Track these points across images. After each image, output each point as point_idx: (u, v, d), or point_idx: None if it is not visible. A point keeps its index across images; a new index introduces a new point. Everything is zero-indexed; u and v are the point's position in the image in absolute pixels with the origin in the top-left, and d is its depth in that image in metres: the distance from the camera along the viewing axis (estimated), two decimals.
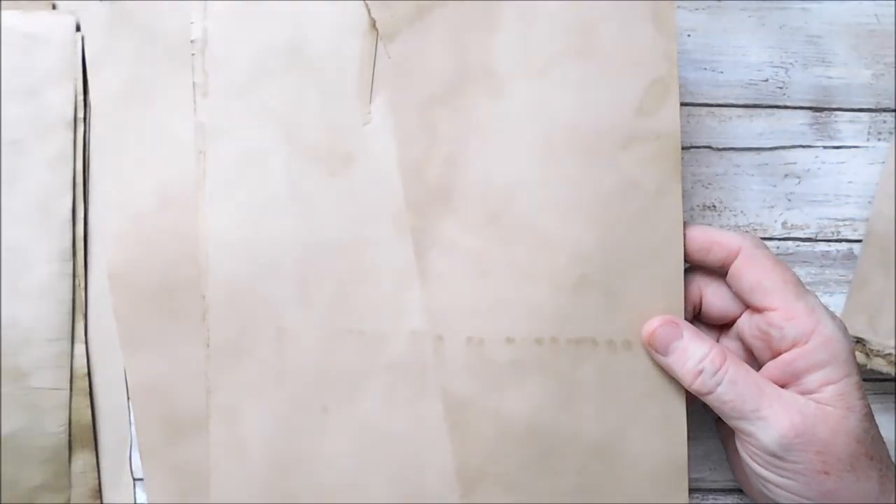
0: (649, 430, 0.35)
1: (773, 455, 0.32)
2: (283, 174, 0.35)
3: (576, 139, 0.34)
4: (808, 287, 0.36)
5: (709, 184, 0.40)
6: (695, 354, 0.33)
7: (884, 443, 0.33)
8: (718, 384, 0.33)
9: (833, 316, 0.33)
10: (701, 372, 0.33)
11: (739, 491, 0.39)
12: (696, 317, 0.36)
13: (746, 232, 0.39)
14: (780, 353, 0.33)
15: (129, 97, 0.36)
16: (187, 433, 0.36)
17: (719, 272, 0.35)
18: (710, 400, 0.33)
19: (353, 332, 0.35)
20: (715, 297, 0.35)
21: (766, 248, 0.34)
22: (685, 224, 0.35)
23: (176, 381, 0.35)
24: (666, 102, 0.34)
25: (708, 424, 0.39)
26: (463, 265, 0.35)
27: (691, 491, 0.40)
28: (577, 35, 0.34)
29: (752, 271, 0.33)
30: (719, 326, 0.36)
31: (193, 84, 0.35)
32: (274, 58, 0.35)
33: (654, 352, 0.34)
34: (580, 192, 0.34)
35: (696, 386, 0.33)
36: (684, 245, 0.35)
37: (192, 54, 0.35)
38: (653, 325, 0.34)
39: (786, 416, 0.32)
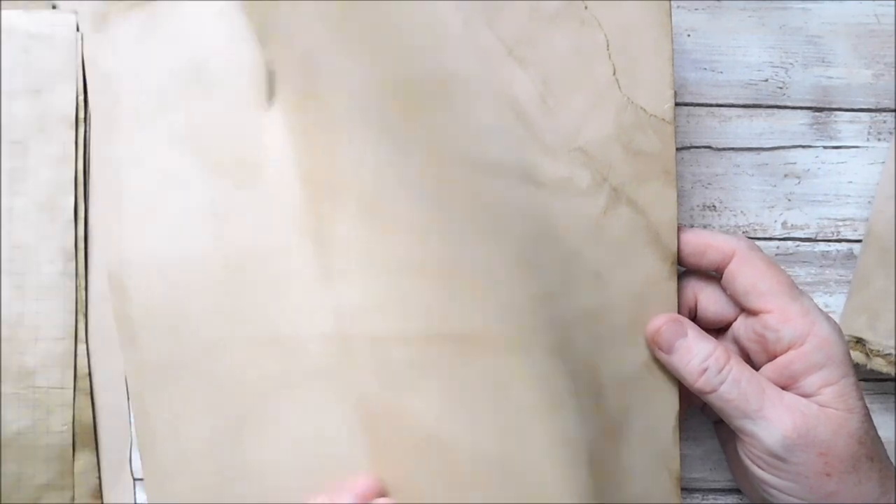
0: (543, 445, 0.33)
1: (775, 456, 0.32)
2: (199, 192, 0.35)
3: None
4: (807, 288, 0.36)
5: (709, 184, 0.40)
6: (699, 353, 0.33)
7: (882, 444, 0.33)
8: (722, 382, 0.33)
9: (828, 317, 0.33)
10: (705, 370, 0.33)
11: (739, 491, 0.39)
12: (692, 321, 0.36)
13: (740, 235, 0.39)
14: (776, 356, 0.33)
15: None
16: None
17: (713, 276, 0.35)
18: (712, 398, 0.33)
19: (273, 341, 0.35)
20: (709, 301, 0.35)
21: (760, 250, 0.34)
22: (679, 227, 0.35)
23: None
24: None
25: (708, 424, 0.39)
26: (356, 262, 0.34)
27: (691, 491, 0.40)
28: None
29: (747, 274, 0.33)
30: (715, 330, 0.36)
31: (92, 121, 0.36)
32: (178, 80, 0.35)
33: (658, 350, 0.34)
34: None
35: (700, 384, 0.33)
36: (678, 249, 0.35)
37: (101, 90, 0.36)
38: (658, 322, 0.34)
39: (788, 417, 0.32)
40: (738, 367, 0.33)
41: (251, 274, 0.35)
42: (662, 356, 0.34)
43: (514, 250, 0.34)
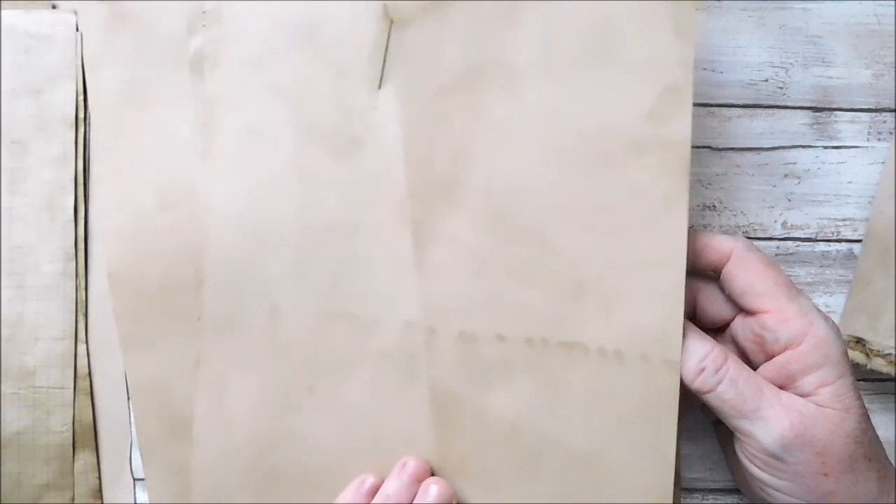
0: (636, 447, 0.34)
1: (773, 456, 0.32)
2: (288, 152, 0.35)
3: (585, 143, 0.34)
4: (807, 288, 0.36)
5: (709, 184, 0.40)
6: (697, 352, 0.33)
7: (881, 443, 0.33)
8: (720, 382, 0.33)
9: (825, 317, 0.33)
10: (703, 370, 0.33)
11: (739, 491, 0.39)
12: (691, 321, 0.36)
13: (738, 235, 0.39)
14: (773, 356, 0.33)
15: (128, 97, 0.36)
16: (188, 432, 0.36)
17: (711, 276, 0.35)
18: (710, 398, 0.33)
19: (345, 317, 0.35)
20: (708, 302, 0.35)
21: (758, 250, 0.34)
22: None
23: (176, 380, 0.36)
24: (678, 110, 0.34)
25: (707, 424, 0.39)
26: (461, 260, 0.35)
27: (691, 491, 0.40)
28: (596, 36, 0.34)
29: (744, 274, 0.33)
30: (713, 330, 0.36)
31: (201, 57, 0.35)
32: (287, 34, 0.35)
33: None
34: (585, 198, 0.34)
35: (698, 384, 0.33)
36: None
37: (203, 25, 0.35)
38: None
39: (785, 417, 0.32)
40: (735, 367, 0.33)
41: (333, 247, 0.35)
42: None
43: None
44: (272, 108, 0.35)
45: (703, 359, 0.33)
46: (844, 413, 0.32)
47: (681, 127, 0.34)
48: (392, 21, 0.35)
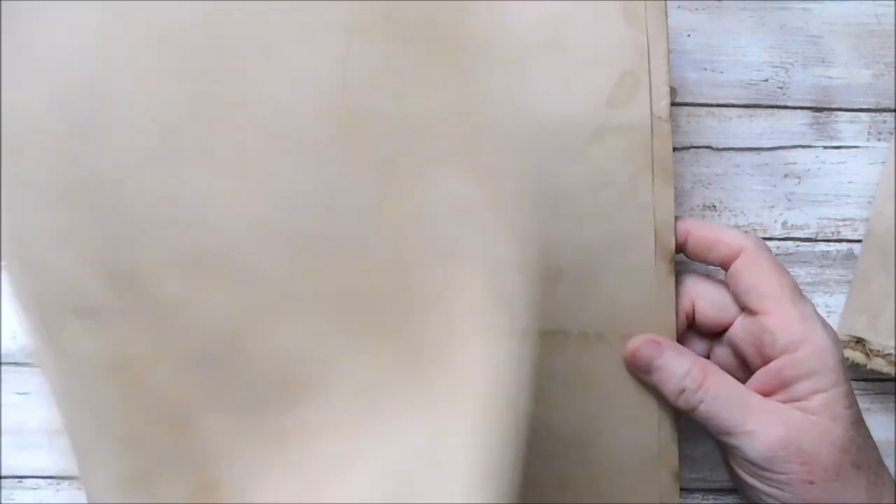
0: (622, 421, 0.35)
1: (759, 466, 0.32)
2: None
3: (547, 131, 0.34)
4: (807, 288, 0.36)
5: (709, 184, 0.40)
6: (677, 372, 0.33)
7: (875, 450, 0.33)
8: (701, 401, 0.33)
9: (825, 325, 0.33)
10: (683, 391, 0.33)
11: (738, 491, 0.39)
12: (691, 326, 0.36)
13: (751, 233, 0.39)
14: (770, 360, 0.33)
15: None
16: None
17: (713, 279, 0.35)
18: (694, 416, 0.33)
19: None
20: (707, 304, 0.35)
21: (769, 251, 0.34)
22: (689, 219, 0.35)
23: None
24: (636, 95, 0.34)
25: None
26: None
27: (691, 491, 0.40)
28: (548, 28, 0.34)
29: (751, 273, 0.33)
30: (713, 333, 0.36)
31: None
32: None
33: (637, 371, 0.34)
34: (552, 185, 0.34)
35: (680, 403, 0.33)
36: (686, 240, 0.34)
37: None
38: (634, 344, 0.34)
39: (770, 431, 0.32)
40: (716, 383, 0.33)
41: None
42: (643, 377, 0.34)
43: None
44: None
45: (682, 378, 0.33)
46: (831, 422, 0.32)
47: (641, 111, 0.34)
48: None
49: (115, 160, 0.29)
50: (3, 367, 0.39)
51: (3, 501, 0.38)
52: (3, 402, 0.39)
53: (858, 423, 0.33)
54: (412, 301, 0.31)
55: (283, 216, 0.30)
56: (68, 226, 0.29)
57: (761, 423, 0.32)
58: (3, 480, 0.39)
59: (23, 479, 0.39)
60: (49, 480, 0.39)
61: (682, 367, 0.33)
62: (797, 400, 0.32)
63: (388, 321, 0.31)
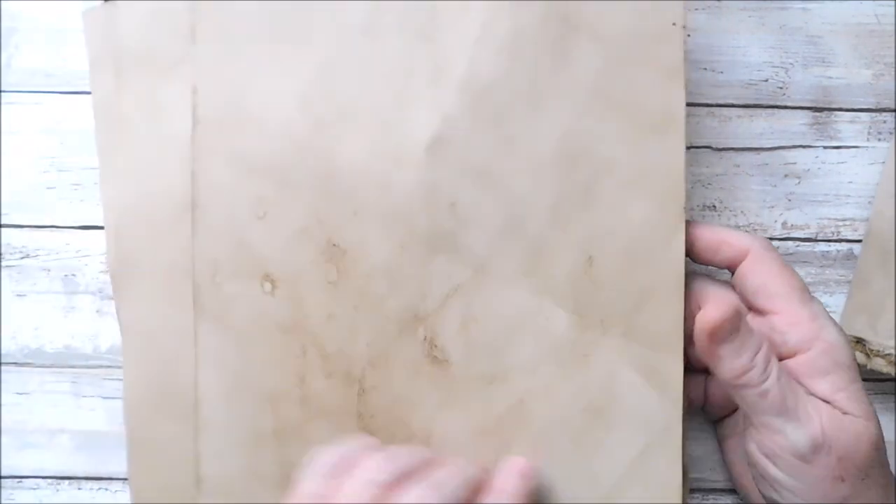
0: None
1: (799, 456, 0.32)
2: None
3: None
4: (810, 290, 0.36)
5: (709, 184, 0.40)
6: (751, 348, 0.31)
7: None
8: (767, 378, 0.31)
9: (835, 323, 0.33)
10: (752, 367, 0.31)
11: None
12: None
13: (756, 234, 0.38)
14: (781, 359, 0.33)
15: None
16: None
17: (719, 281, 0.35)
18: (747, 393, 0.32)
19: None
20: (713, 307, 0.35)
21: (775, 251, 0.34)
22: (695, 223, 0.35)
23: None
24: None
25: (707, 424, 0.39)
26: None
27: (692, 491, 0.40)
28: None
29: (759, 274, 0.33)
30: None
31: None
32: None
33: (710, 342, 0.31)
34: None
35: (746, 378, 0.31)
36: (692, 244, 0.34)
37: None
38: (718, 313, 0.31)
39: (817, 419, 0.31)
40: (777, 363, 0.32)
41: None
42: (707, 348, 0.32)
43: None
44: None
45: (754, 354, 0.31)
46: (866, 420, 0.32)
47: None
48: None
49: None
50: (3, 367, 0.39)
51: (3, 501, 0.38)
52: (3, 402, 0.39)
53: (878, 421, 0.33)
54: None
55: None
56: (275, 199, 0.34)
57: (809, 411, 0.32)
58: (3, 480, 0.39)
59: (23, 479, 0.39)
60: (49, 480, 0.39)
61: (755, 342, 0.32)
62: (820, 398, 0.32)
63: None
